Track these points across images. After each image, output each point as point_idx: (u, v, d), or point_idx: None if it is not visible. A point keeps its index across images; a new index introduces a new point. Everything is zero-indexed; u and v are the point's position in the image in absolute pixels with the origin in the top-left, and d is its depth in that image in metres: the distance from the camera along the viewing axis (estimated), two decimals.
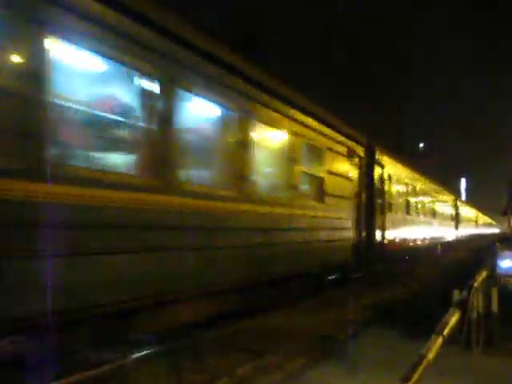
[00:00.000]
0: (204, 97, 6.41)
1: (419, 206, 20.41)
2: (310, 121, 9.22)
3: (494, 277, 6.97)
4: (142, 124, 5.46)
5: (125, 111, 5.39)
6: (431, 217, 23.18)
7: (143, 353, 5.61)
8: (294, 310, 8.66)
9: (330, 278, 10.72)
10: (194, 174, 6.40)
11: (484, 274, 6.83)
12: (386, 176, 13.91)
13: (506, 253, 8.42)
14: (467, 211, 43.24)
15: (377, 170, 13.10)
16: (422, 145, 52.42)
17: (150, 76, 5.44)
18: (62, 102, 4.56)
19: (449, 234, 29.07)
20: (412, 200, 18.63)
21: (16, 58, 4.12)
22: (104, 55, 4.94)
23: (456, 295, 5.91)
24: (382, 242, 13.28)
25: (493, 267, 7.30)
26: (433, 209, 24.01)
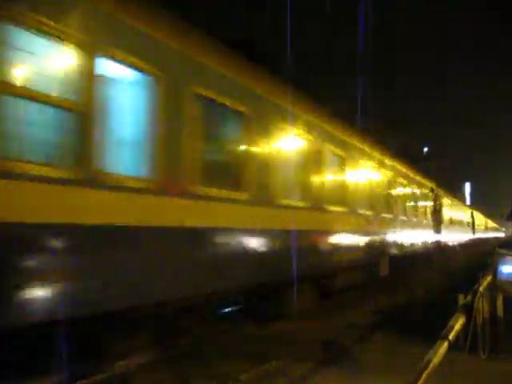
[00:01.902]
0: None
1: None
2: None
3: (495, 283, 6.91)
4: None
5: None
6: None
7: (147, 358, 5.59)
8: (298, 315, 8.63)
9: None
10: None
11: (489, 278, 6.79)
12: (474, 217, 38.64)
13: (507, 258, 8.30)
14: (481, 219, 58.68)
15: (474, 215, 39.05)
16: (426, 149, 52.30)
17: None
18: None
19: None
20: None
21: None
22: None
23: (461, 300, 5.88)
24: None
25: (494, 273, 7.22)
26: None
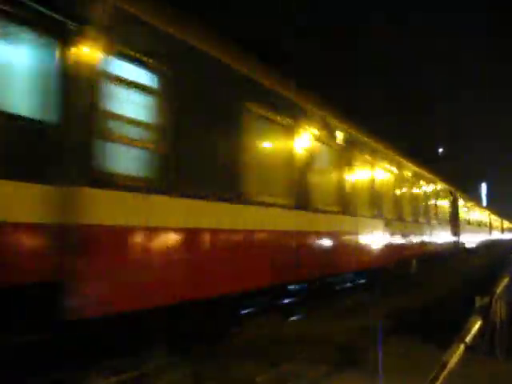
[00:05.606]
0: None
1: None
2: None
3: None
4: None
5: None
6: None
7: (163, 360, 5.62)
8: (312, 318, 8.62)
9: None
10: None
11: (506, 279, 6.70)
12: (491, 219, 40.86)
13: None
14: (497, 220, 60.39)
15: (490, 217, 40.27)
16: (441, 150, 51.79)
17: None
18: None
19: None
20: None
21: None
22: None
23: (478, 301, 5.81)
24: None
25: None
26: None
